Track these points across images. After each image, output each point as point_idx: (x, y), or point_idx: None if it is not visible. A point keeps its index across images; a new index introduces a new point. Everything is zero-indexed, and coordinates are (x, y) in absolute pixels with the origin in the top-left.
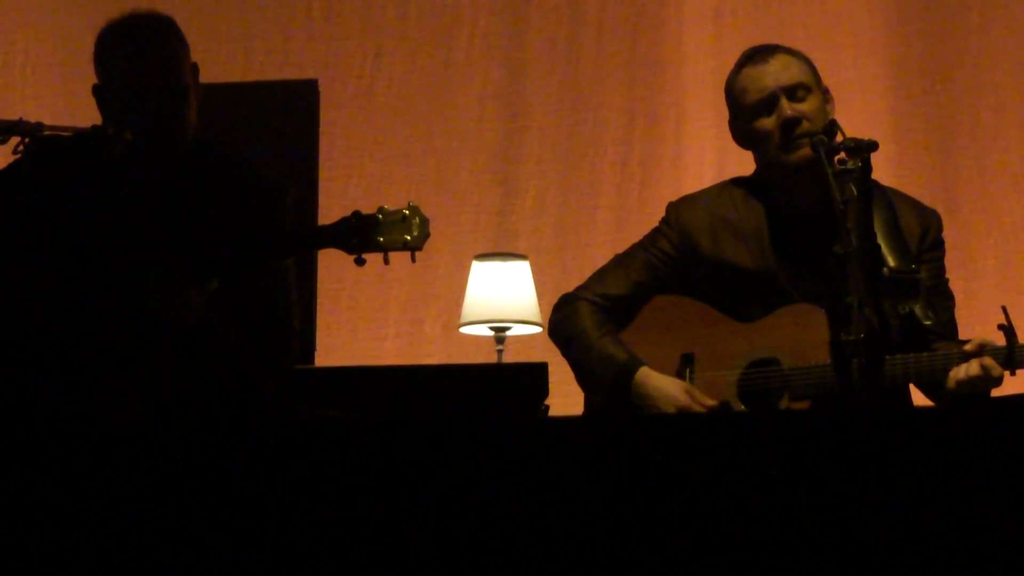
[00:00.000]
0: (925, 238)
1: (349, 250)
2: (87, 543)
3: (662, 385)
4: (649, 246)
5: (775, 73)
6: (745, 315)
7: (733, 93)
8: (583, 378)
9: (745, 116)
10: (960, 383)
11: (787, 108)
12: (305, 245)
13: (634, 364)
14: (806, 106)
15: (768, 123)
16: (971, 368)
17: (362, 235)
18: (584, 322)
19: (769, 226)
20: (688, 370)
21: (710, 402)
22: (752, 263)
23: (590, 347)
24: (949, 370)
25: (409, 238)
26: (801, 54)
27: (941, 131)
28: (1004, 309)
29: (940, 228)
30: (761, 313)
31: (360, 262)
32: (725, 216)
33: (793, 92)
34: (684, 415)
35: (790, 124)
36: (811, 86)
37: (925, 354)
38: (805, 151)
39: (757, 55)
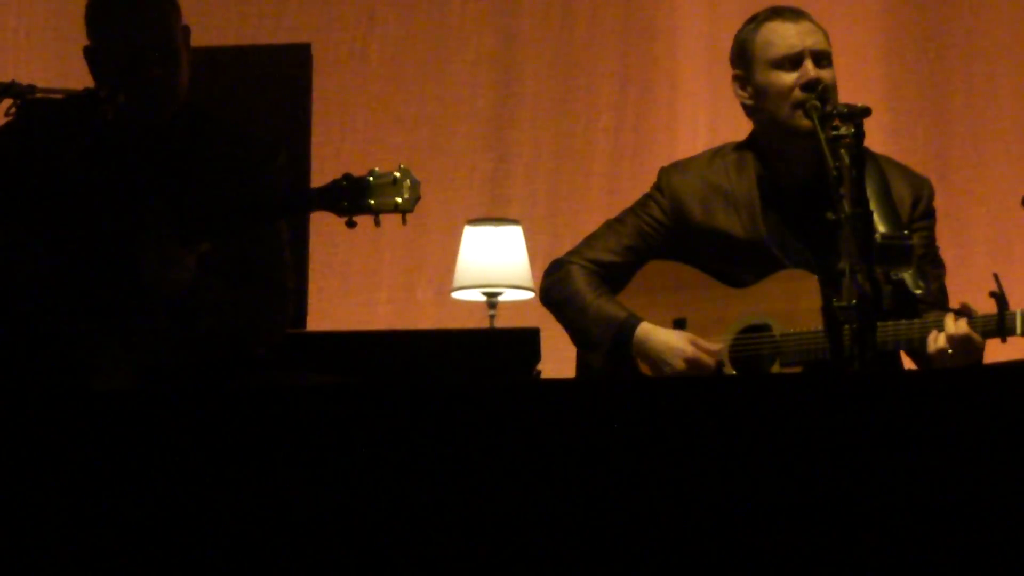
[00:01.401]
0: (917, 206)
1: (340, 212)
2: (76, 502)
3: (666, 339)
4: (640, 212)
5: (806, 34)
6: (737, 281)
7: (751, 44)
8: (580, 339)
9: (762, 68)
10: (939, 348)
11: (812, 69)
12: (295, 207)
13: (634, 320)
14: (828, 74)
15: (788, 79)
16: (948, 328)
17: (353, 197)
18: (578, 284)
19: (761, 194)
20: None
21: (715, 346)
22: (743, 232)
23: (586, 308)
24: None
25: (400, 200)
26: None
27: (934, 98)
28: (995, 276)
29: (932, 196)
30: (753, 279)
31: (351, 224)
32: (717, 184)
33: (819, 58)
34: (676, 378)
35: (812, 85)
36: (831, 58)
37: (916, 320)
38: (808, 122)
39: (787, 12)
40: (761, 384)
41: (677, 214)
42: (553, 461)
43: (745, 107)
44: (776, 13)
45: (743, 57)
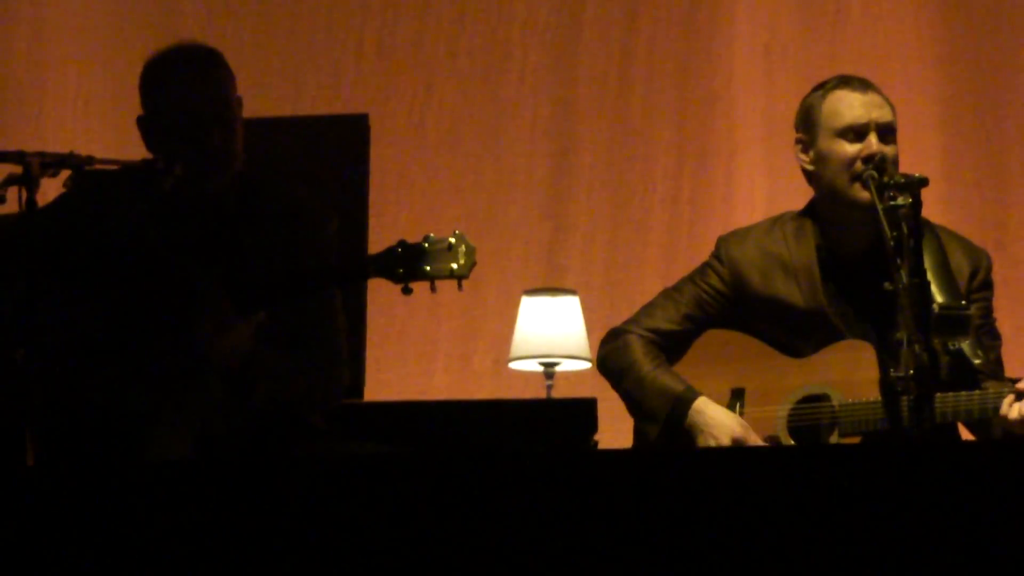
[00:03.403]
0: (975, 277)
1: (396, 279)
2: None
3: (719, 415)
4: (699, 280)
5: (873, 106)
6: (796, 350)
7: (816, 110)
8: (637, 410)
9: (826, 135)
10: (1012, 421)
11: (875, 143)
12: (351, 275)
13: (692, 394)
14: (891, 150)
15: (851, 149)
16: (1022, 406)
17: (408, 264)
18: (636, 355)
19: (820, 263)
20: (738, 404)
21: (762, 442)
22: (803, 301)
23: (643, 379)
24: (999, 408)
25: (456, 266)
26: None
27: (991, 168)
28: None
29: (990, 268)
30: (812, 349)
31: (407, 291)
32: (776, 252)
33: (884, 131)
34: (734, 448)
35: (872, 159)
36: (896, 132)
37: (977, 392)
38: (867, 193)
39: (855, 82)
40: (819, 454)
41: (736, 283)
42: (610, 532)
43: (805, 172)
44: (845, 82)
45: (807, 122)
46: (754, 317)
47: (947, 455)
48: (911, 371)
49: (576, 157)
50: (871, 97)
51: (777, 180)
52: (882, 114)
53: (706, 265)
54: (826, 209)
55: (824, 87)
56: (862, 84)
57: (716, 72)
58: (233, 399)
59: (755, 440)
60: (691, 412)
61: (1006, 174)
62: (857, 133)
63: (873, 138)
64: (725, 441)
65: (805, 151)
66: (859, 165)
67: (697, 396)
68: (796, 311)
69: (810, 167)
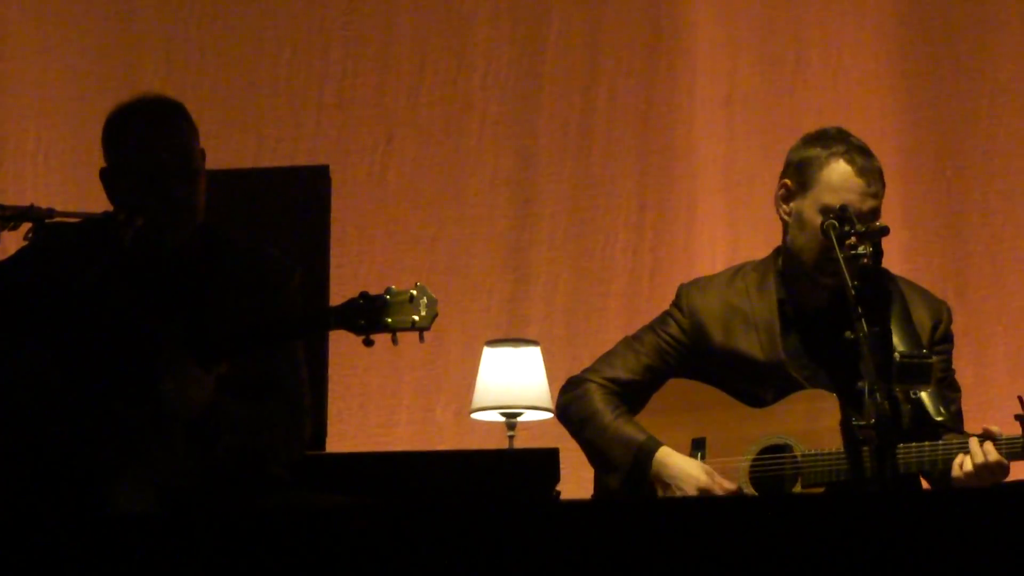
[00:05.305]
0: (936, 330)
1: (357, 331)
2: None
3: (683, 465)
4: (659, 329)
5: (869, 194)
6: (757, 400)
7: (813, 169)
8: (598, 460)
9: (813, 203)
10: (967, 473)
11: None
12: (313, 326)
13: (654, 444)
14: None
15: (827, 248)
16: (976, 456)
17: (369, 315)
18: (597, 404)
19: (781, 316)
20: (699, 455)
21: (729, 485)
22: (762, 354)
23: (605, 428)
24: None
25: (417, 318)
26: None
27: (952, 217)
28: (1021, 399)
29: (950, 320)
30: (773, 399)
31: (368, 343)
32: (737, 305)
33: (870, 219)
34: (696, 498)
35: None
36: (880, 213)
37: (940, 443)
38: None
39: (860, 160)
40: (780, 505)
41: (696, 332)
42: None
43: (780, 216)
44: (850, 156)
45: (800, 175)
46: (714, 367)
47: (913, 504)
48: (873, 420)
49: (537, 207)
50: (872, 184)
51: (738, 230)
52: (874, 203)
53: (667, 314)
54: (790, 263)
55: (829, 146)
56: (870, 164)
57: (677, 122)
58: (196, 451)
59: (722, 486)
60: (654, 463)
61: (966, 223)
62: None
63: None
64: (691, 491)
65: (786, 201)
66: (832, 249)
67: (659, 446)
68: (755, 363)
69: (786, 219)
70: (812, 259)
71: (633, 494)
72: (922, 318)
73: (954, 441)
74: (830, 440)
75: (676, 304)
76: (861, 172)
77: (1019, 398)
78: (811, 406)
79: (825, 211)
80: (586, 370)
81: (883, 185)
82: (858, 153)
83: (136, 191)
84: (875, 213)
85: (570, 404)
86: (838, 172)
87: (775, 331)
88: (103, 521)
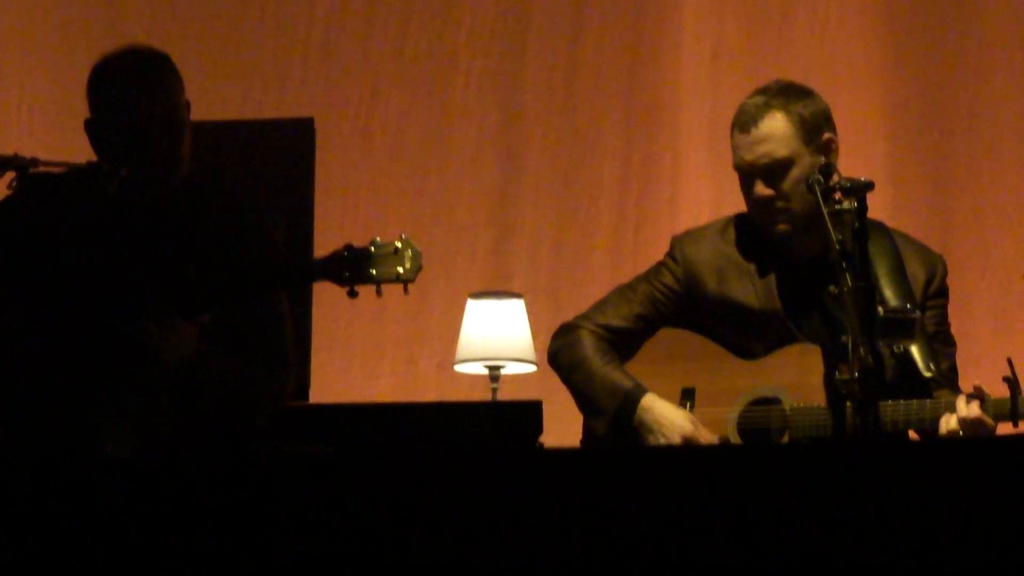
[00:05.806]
0: (930, 284)
1: (341, 283)
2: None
3: (668, 412)
4: (653, 279)
5: (752, 150)
6: (749, 352)
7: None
8: (586, 405)
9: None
10: (951, 431)
11: (758, 190)
12: (297, 278)
13: (639, 391)
14: (787, 184)
15: (746, 194)
16: (961, 413)
17: (354, 267)
18: (586, 350)
19: (776, 265)
20: (688, 404)
21: (711, 436)
22: (758, 302)
23: (593, 374)
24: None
25: (402, 270)
26: (791, 108)
27: (937, 173)
28: (1009, 361)
29: (945, 274)
30: (765, 351)
31: (353, 295)
32: (731, 254)
33: (769, 173)
34: (681, 447)
35: (761, 207)
36: (792, 158)
37: (928, 401)
38: (782, 227)
39: (741, 118)
40: (766, 454)
41: (690, 283)
42: (555, 532)
43: None
44: (736, 116)
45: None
46: (707, 317)
47: (899, 453)
48: (855, 374)
49: (522, 161)
50: (752, 137)
51: (723, 186)
52: (764, 155)
53: (660, 264)
54: None
55: (733, 120)
56: (747, 121)
57: (663, 78)
58: (179, 400)
59: (706, 436)
60: (639, 409)
61: (952, 179)
62: (744, 180)
63: (757, 185)
64: (675, 439)
65: None
66: (752, 212)
67: (645, 392)
68: (751, 312)
69: None
70: (753, 218)
71: (618, 439)
72: (916, 271)
73: (943, 399)
74: (820, 394)
75: (670, 254)
76: (741, 126)
77: (1008, 360)
78: (802, 360)
79: (738, 175)
80: (579, 316)
81: (782, 124)
82: (741, 113)
83: (120, 143)
84: (779, 165)
85: (560, 350)
86: (732, 136)
87: (770, 279)
88: (85, 466)
